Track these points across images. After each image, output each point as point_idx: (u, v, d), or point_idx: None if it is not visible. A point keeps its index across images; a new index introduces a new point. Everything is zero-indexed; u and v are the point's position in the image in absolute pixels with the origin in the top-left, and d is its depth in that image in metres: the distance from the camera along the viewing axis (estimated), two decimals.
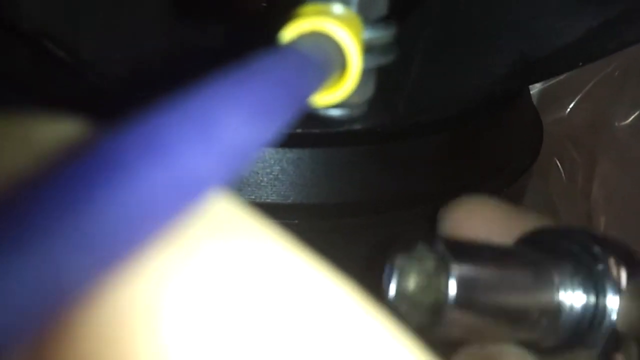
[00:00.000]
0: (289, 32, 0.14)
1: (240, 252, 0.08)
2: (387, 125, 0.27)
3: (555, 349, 0.20)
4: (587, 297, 0.19)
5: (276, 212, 0.26)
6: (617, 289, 0.19)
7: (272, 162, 0.26)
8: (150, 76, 0.22)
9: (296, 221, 0.26)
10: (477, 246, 0.19)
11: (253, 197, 0.26)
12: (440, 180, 0.28)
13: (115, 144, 0.07)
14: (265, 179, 0.26)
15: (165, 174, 0.07)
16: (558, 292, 0.19)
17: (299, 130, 0.26)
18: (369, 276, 0.27)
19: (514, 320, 0.19)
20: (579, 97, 0.50)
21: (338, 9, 0.15)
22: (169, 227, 0.08)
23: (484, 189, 0.30)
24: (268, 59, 0.11)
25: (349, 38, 0.14)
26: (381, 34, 0.17)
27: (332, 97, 0.15)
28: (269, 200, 0.26)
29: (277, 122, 0.10)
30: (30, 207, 0.06)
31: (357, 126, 0.27)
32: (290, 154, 0.26)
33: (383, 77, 0.26)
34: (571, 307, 0.19)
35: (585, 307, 0.19)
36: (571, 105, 0.50)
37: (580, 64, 0.25)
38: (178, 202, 0.08)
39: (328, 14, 0.14)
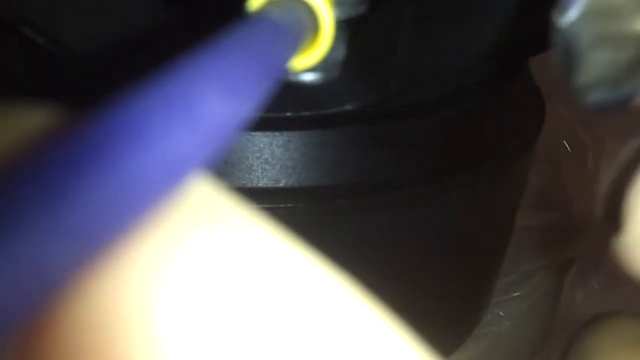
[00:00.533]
0: (256, 0, 0.14)
1: (229, 243, 0.08)
2: (378, 104, 0.26)
3: None
4: None
5: (267, 196, 0.26)
6: None
7: (262, 145, 0.26)
8: (132, 57, 0.22)
9: (289, 205, 0.26)
10: None
11: (244, 181, 0.26)
12: (436, 160, 0.28)
13: (92, 128, 0.07)
14: (255, 163, 0.26)
15: (146, 156, 0.07)
16: None
17: (288, 114, 0.26)
18: (361, 261, 0.27)
19: None
20: None
21: None
22: (153, 210, 0.08)
23: (482, 168, 0.29)
24: (238, 31, 0.11)
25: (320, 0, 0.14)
26: None
27: (308, 59, 0.14)
28: (260, 185, 0.26)
29: (257, 94, 0.10)
30: (9, 195, 0.06)
31: (347, 107, 0.26)
32: (280, 137, 0.26)
33: (371, 55, 0.26)
34: None
35: None
36: None
37: None
38: (161, 184, 0.08)
39: None
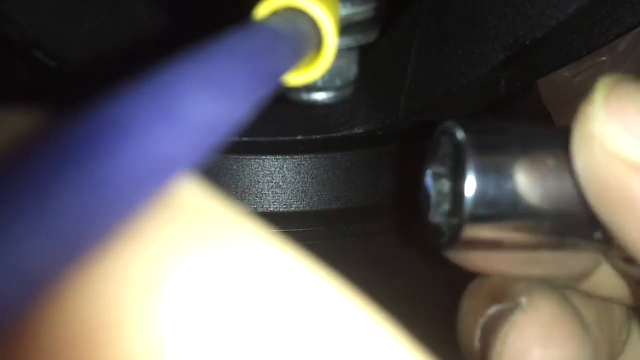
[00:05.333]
0: (263, 9, 0.14)
1: (232, 255, 0.08)
2: (388, 127, 0.26)
3: None
4: None
5: (279, 220, 0.26)
6: None
7: (273, 170, 0.26)
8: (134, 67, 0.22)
9: (301, 229, 0.26)
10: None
11: (255, 206, 0.26)
12: None
13: (78, 128, 0.07)
14: (266, 188, 0.26)
15: (130, 156, 0.07)
16: None
17: (299, 137, 0.26)
18: (378, 283, 0.26)
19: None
20: None
21: None
22: (139, 211, 0.07)
23: None
24: (238, 35, 0.11)
25: (324, 14, 0.14)
26: (360, 10, 0.17)
27: (308, 75, 0.14)
28: (271, 209, 0.26)
29: (248, 100, 0.10)
30: None
31: (358, 130, 0.26)
32: (291, 161, 0.26)
33: (382, 78, 0.26)
34: None
35: None
36: None
37: (584, 52, 0.24)
38: (147, 185, 0.07)
39: None
